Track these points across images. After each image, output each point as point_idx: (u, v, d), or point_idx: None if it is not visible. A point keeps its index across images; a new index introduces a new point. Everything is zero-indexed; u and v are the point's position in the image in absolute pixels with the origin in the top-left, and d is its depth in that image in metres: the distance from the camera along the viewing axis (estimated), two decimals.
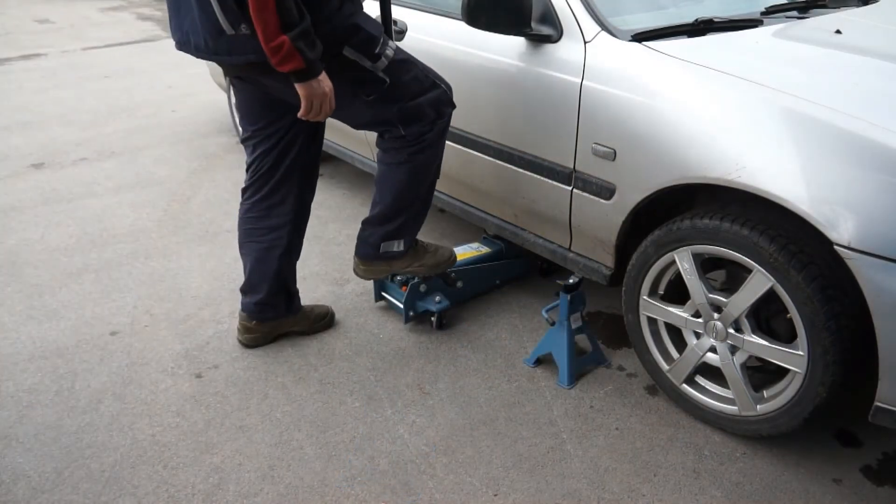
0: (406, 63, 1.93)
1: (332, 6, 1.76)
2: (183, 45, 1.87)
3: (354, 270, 2.24)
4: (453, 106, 2.05)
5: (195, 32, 1.79)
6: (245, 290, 2.25)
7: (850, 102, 1.58)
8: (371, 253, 2.16)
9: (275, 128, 2.03)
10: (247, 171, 2.12)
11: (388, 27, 2.08)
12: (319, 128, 2.11)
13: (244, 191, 2.16)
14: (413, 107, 1.94)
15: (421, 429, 1.95)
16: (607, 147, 1.89)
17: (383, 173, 2.07)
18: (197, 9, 1.74)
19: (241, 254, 2.22)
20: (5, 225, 3.17)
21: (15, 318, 2.48)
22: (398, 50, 1.91)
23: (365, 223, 2.17)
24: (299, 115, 1.78)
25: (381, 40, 1.86)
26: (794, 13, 2.22)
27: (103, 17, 8.29)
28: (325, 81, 1.74)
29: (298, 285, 2.38)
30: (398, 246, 2.15)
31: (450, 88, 2.03)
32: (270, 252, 2.15)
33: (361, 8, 1.88)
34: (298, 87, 1.72)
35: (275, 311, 2.26)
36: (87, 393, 2.09)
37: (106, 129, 4.42)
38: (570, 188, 2.05)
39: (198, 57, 1.87)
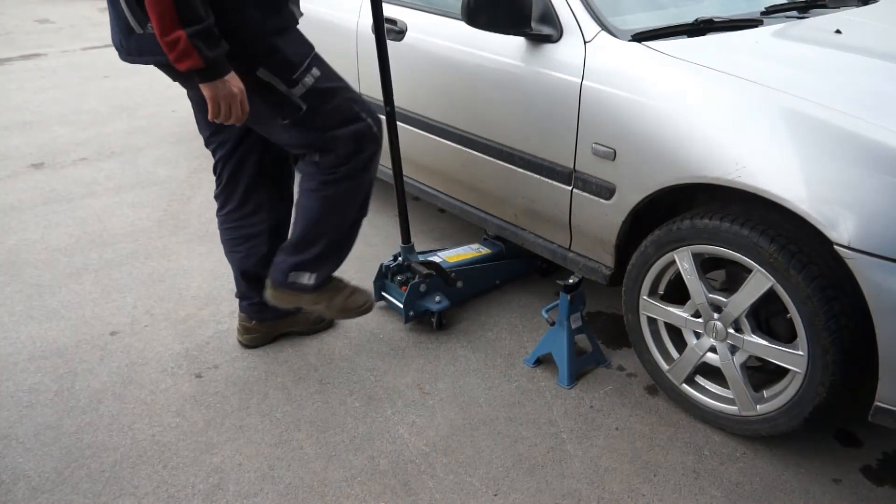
0: (329, 91, 1.83)
1: (254, 17, 1.68)
2: (115, 49, 1.82)
3: (264, 292, 2.09)
4: (378, 143, 1.94)
5: (114, 33, 1.75)
6: (239, 295, 2.25)
7: (850, 102, 1.58)
8: (279, 279, 2.02)
9: (226, 134, 1.99)
10: (213, 173, 2.10)
11: (380, 27, 2.04)
12: None
13: (216, 198, 2.12)
14: (330, 137, 1.84)
15: (421, 429, 1.95)
16: (607, 147, 1.89)
17: (298, 198, 1.98)
18: (111, 8, 1.70)
19: (228, 262, 2.21)
20: (5, 225, 3.17)
21: (15, 318, 2.48)
22: (324, 77, 1.82)
23: (280, 248, 2.05)
24: (209, 117, 1.70)
25: (304, 65, 1.77)
26: (794, 13, 2.22)
27: (103, 17, 8.28)
28: (232, 82, 1.65)
29: None
30: (309, 279, 2.01)
31: (378, 123, 1.93)
32: (249, 260, 2.13)
33: (292, 23, 1.80)
34: (203, 88, 1.64)
35: (273, 310, 2.25)
36: (87, 393, 2.09)
37: (106, 129, 4.42)
38: (570, 188, 2.05)
39: (122, 59, 1.80)
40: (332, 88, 1.85)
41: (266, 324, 2.28)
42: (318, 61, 1.85)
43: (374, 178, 2.01)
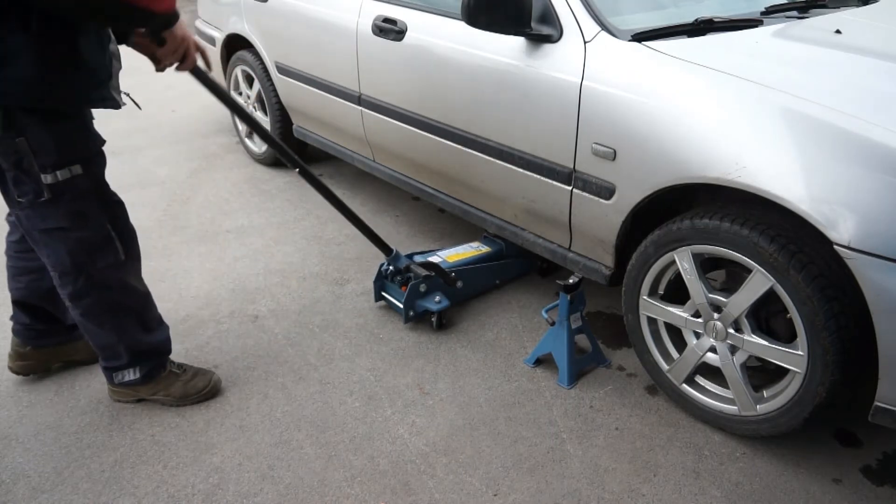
0: (83, 193, 1.71)
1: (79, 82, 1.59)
2: None
3: (108, 388, 2.06)
4: (114, 256, 1.80)
5: None
6: (14, 319, 2.08)
7: (850, 102, 1.58)
8: (109, 380, 2.01)
9: None
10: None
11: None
12: None
13: (7, 221, 1.98)
14: (59, 236, 1.72)
15: (421, 429, 1.95)
16: (607, 147, 1.89)
17: None
18: None
19: (8, 288, 2.04)
20: (6, 225, 3.16)
21: None
22: (85, 177, 1.70)
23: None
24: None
25: (67, 159, 1.65)
26: (794, 13, 2.22)
27: None
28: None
29: (299, 285, 2.38)
30: (133, 374, 1.97)
31: (128, 239, 1.84)
32: (28, 293, 2.00)
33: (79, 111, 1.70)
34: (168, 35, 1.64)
35: (54, 336, 2.10)
36: (86, 393, 2.09)
37: (106, 129, 4.37)
38: (569, 188, 2.05)
39: None
40: (88, 191, 1.73)
41: (43, 350, 2.10)
42: (96, 162, 1.75)
43: (143, 291, 1.93)
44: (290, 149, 2.16)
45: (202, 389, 2.05)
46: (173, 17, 1.61)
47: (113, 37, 1.73)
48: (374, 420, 1.99)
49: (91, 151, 1.75)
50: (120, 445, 1.90)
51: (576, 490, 1.75)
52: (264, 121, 3.63)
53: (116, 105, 1.77)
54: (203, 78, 1.87)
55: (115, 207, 1.83)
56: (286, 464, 1.84)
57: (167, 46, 1.68)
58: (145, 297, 1.96)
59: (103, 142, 1.77)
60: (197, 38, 1.75)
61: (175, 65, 1.76)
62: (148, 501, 1.73)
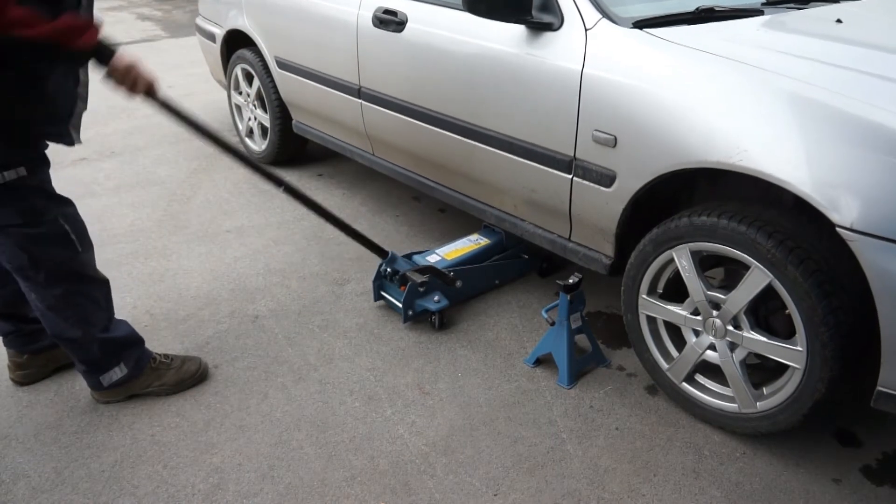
0: (34, 195, 1.75)
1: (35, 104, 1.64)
2: None
3: (92, 396, 2.05)
4: (72, 249, 1.83)
5: None
6: (0, 331, 2.07)
7: (851, 86, 1.57)
8: (96, 386, 2.00)
9: None
10: None
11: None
12: None
13: None
14: (12, 235, 1.74)
15: (421, 429, 1.95)
16: (608, 134, 1.88)
17: None
18: None
19: None
20: None
21: None
22: (30, 177, 1.73)
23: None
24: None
25: (14, 160, 1.69)
26: (794, 4, 2.22)
27: (103, 17, 8.28)
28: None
29: (299, 285, 2.38)
30: (122, 370, 1.98)
31: (76, 227, 1.85)
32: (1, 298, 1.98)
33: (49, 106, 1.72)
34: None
35: (44, 339, 2.05)
36: (87, 393, 2.09)
37: (106, 129, 4.42)
38: (570, 176, 2.04)
39: None
40: (37, 189, 1.77)
41: (40, 356, 2.10)
42: (40, 164, 1.78)
43: (103, 279, 1.95)
44: (270, 170, 2.17)
45: (195, 373, 2.09)
46: (101, 49, 1.67)
47: (83, 79, 1.81)
48: (374, 420, 1.99)
49: (37, 153, 1.79)
50: (120, 445, 1.90)
51: (576, 490, 1.75)
52: (264, 118, 3.63)
53: (71, 143, 1.84)
54: (164, 105, 1.93)
55: (64, 204, 1.87)
56: (286, 464, 1.84)
57: (115, 77, 1.76)
58: (106, 286, 1.98)
59: (46, 146, 1.82)
60: (145, 70, 1.81)
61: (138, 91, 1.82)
62: (148, 501, 1.73)
